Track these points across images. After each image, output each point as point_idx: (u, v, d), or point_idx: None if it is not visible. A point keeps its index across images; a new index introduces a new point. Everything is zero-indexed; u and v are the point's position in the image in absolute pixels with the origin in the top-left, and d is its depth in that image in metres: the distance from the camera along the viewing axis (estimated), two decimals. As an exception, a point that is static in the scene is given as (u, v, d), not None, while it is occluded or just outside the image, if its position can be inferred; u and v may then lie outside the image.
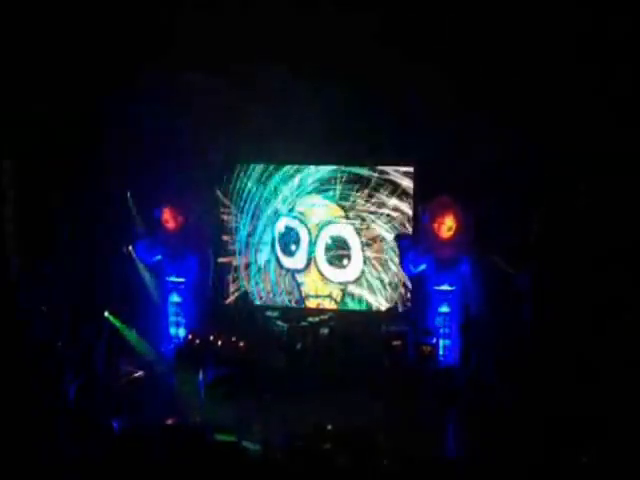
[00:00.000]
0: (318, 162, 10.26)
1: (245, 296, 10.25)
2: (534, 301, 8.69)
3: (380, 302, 10.21)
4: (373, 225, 10.17)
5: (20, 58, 8.67)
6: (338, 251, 10.34)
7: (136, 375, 9.16)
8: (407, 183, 10.02)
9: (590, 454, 6.05)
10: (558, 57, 8.22)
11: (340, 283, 10.38)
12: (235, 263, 10.61)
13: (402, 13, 8.22)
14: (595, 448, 6.19)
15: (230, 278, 10.61)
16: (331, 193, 10.27)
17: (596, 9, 7.79)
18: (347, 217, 10.26)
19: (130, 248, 9.91)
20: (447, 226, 9.40)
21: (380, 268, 10.21)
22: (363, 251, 10.25)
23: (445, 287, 9.51)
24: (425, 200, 9.59)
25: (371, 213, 10.16)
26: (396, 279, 10.13)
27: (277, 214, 10.47)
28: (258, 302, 10.56)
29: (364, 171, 10.14)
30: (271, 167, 10.42)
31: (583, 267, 8.37)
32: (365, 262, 10.25)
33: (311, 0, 8.42)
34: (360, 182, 10.16)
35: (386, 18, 8.29)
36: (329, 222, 10.34)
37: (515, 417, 7.38)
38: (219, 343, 9.42)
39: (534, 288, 8.69)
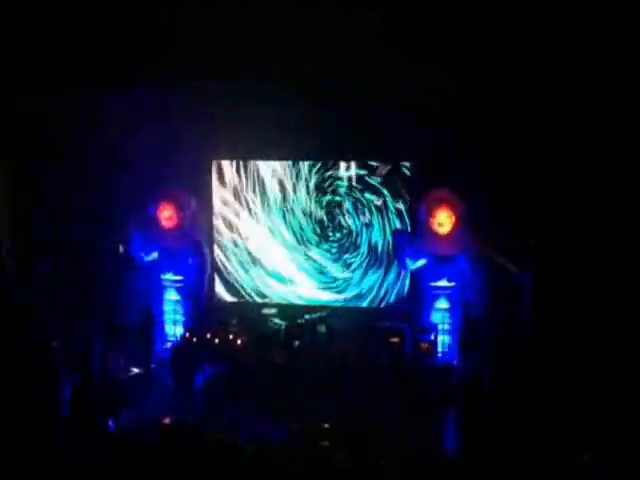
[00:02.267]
0: (314, 159, 10.24)
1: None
2: (535, 299, 8.68)
3: (378, 298, 10.20)
4: (371, 220, 10.15)
5: (19, 57, 8.62)
6: (335, 247, 10.33)
7: (133, 373, 9.14)
8: (405, 179, 10.00)
9: (591, 453, 6.06)
10: (558, 57, 8.21)
11: (337, 279, 10.37)
12: (232, 260, 10.61)
13: (402, 13, 8.19)
14: (595, 448, 6.20)
15: (227, 276, 10.61)
16: (328, 188, 10.24)
17: (596, 9, 7.78)
18: (344, 213, 10.23)
19: (125, 246, 9.87)
20: (445, 221, 9.35)
21: (378, 264, 10.19)
22: (361, 246, 10.22)
23: (443, 283, 9.48)
24: (423, 194, 9.55)
25: (369, 208, 10.14)
26: (394, 275, 10.12)
27: (273, 210, 10.44)
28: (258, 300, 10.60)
29: (361, 168, 10.12)
30: (267, 164, 10.38)
31: (583, 266, 8.37)
32: (362, 258, 10.23)
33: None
34: (357, 178, 10.14)
35: (385, 17, 8.26)
36: (326, 218, 10.31)
37: (515, 416, 7.37)
38: (216, 341, 9.41)
39: (535, 287, 8.68)
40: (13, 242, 8.89)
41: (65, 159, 9.51)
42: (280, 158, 10.33)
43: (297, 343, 9.52)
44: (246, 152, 10.30)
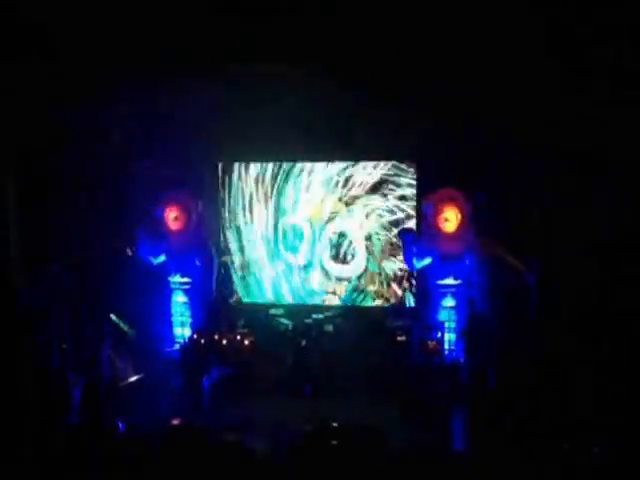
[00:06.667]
0: (320, 159, 10.28)
1: None
2: (541, 298, 8.67)
3: (384, 297, 10.22)
4: (377, 220, 10.17)
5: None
6: (342, 247, 10.35)
7: (134, 379, 9.18)
8: (410, 177, 10.02)
9: (594, 453, 6.07)
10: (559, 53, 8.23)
11: (344, 279, 10.39)
12: (238, 261, 10.65)
13: (399, 11, 8.20)
14: (599, 446, 6.20)
15: (234, 277, 10.66)
16: (333, 189, 10.27)
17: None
18: (350, 213, 10.26)
19: (133, 249, 9.90)
20: (451, 219, 9.36)
21: (384, 263, 10.21)
22: (367, 246, 10.25)
23: (450, 281, 9.48)
24: (429, 193, 9.56)
25: (374, 208, 10.16)
26: (400, 274, 10.13)
27: (280, 211, 10.48)
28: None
29: (366, 166, 10.14)
30: (273, 165, 10.42)
31: (589, 265, 8.37)
32: (369, 257, 10.25)
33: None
34: (363, 177, 10.17)
35: (384, 16, 8.27)
36: (332, 218, 10.34)
37: (519, 414, 7.39)
38: (224, 342, 9.44)
39: (541, 285, 8.67)
40: (21, 244, 8.91)
41: (69, 160, 9.55)
42: (287, 159, 10.40)
43: (304, 343, 9.55)
44: (250, 154, 10.37)
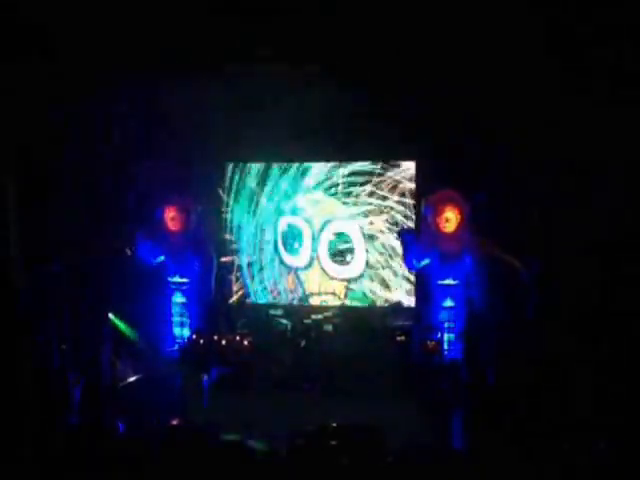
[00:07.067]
0: (319, 159, 10.28)
1: None
2: (539, 297, 8.67)
3: (384, 297, 10.22)
4: (376, 220, 10.18)
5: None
6: (341, 247, 10.35)
7: (134, 379, 9.17)
8: (410, 177, 10.03)
9: (594, 452, 6.08)
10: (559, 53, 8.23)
11: (343, 279, 10.39)
12: (238, 262, 10.65)
13: (399, 11, 8.20)
14: (599, 446, 6.20)
15: (233, 277, 10.66)
16: (333, 190, 10.28)
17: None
18: (350, 213, 10.26)
19: (132, 249, 9.88)
20: (450, 220, 9.36)
21: (384, 263, 10.21)
22: (366, 247, 10.25)
23: (449, 281, 9.47)
24: (428, 193, 9.57)
25: (374, 208, 10.16)
26: (400, 274, 10.13)
27: (279, 212, 10.48)
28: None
29: (366, 167, 10.15)
30: (272, 165, 10.43)
31: (589, 264, 8.36)
32: (368, 258, 10.25)
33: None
34: (362, 178, 10.17)
35: (384, 16, 8.27)
36: (332, 219, 10.34)
37: (519, 414, 7.38)
38: (223, 342, 9.43)
39: (539, 284, 8.68)
40: (21, 244, 8.91)
41: (69, 160, 9.55)
42: (286, 159, 10.39)
43: (304, 343, 9.55)
44: (249, 154, 10.37)
